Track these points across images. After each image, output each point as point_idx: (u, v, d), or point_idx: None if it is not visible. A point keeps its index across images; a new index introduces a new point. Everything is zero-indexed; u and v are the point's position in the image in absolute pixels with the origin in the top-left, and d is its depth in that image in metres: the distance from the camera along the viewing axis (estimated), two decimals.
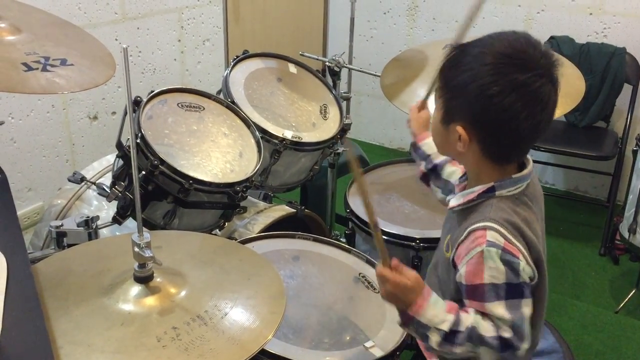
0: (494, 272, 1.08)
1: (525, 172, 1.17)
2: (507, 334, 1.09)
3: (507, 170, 1.16)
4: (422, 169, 1.46)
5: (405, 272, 1.13)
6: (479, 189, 1.16)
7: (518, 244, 1.09)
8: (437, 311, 1.11)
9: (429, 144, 1.45)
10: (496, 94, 1.05)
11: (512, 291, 1.09)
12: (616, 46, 3.01)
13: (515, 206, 1.14)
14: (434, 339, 1.10)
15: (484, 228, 1.10)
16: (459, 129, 1.11)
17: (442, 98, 1.14)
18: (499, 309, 1.08)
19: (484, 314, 1.12)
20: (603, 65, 2.96)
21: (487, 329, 1.09)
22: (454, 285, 1.17)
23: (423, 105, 1.53)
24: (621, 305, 2.50)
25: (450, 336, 1.10)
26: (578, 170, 3.21)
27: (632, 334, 2.33)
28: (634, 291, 2.54)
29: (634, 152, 2.51)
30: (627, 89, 3.02)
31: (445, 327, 1.10)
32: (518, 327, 1.09)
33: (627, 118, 3.01)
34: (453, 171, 1.39)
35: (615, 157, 2.94)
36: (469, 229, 1.12)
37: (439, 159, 1.43)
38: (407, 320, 1.13)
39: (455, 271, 1.15)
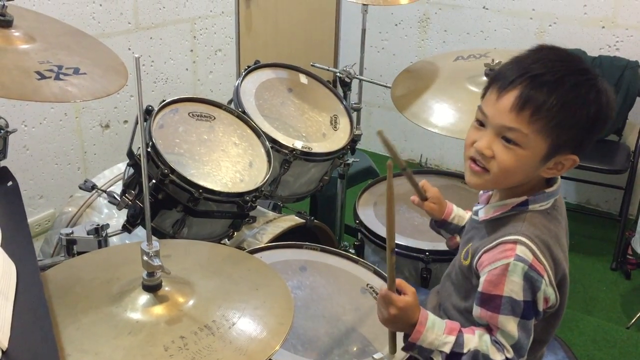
0: (514, 287, 1.08)
1: (555, 186, 1.17)
2: (509, 354, 1.10)
3: (541, 183, 1.17)
4: (458, 240, 1.46)
5: (405, 287, 1.14)
6: (512, 202, 1.16)
7: (545, 263, 1.10)
8: (436, 334, 1.12)
9: (458, 216, 1.46)
10: (595, 110, 1.07)
11: (527, 310, 1.09)
12: (629, 59, 3.00)
13: (547, 222, 1.14)
14: None
15: (515, 242, 1.10)
16: (572, 157, 1.11)
17: (547, 139, 1.08)
18: (510, 324, 1.08)
19: (489, 332, 1.11)
20: (615, 79, 2.95)
21: (495, 354, 1.09)
22: (474, 291, 1.17)
23: (424, 192, 1.47)
24: (633, 320, 2.46)
25: (452, 358, 1.11)
26: (589, 183, 3.19)
27: None
28: None
29: None
30: (639, 102, 3.00)
31: (447, 349, 1.11)
32: (521, 347, 1.10)
33: (639, 132, 2.99)
34: None
35: (627, 170, 2.92)
36: (498, 240, 1.12)
37: None
38: (409, 346, 1.14)
39: (477, 277, 1.15)
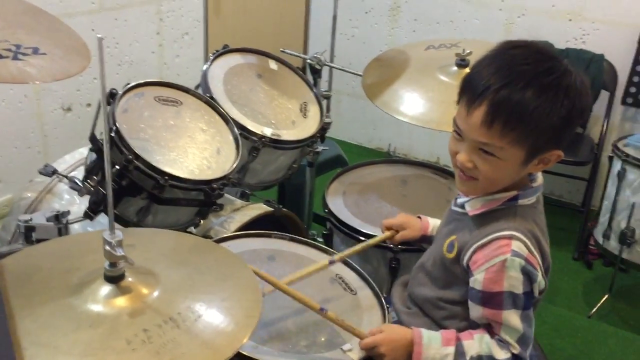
0: (513, 282, 1.09)
1: (540, 181, 1.19)
2: (515, 350, 1.10)
3: (526, 177, 1.19)
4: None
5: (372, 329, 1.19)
6: (503, 196, 1.16)
7: (537, 256, 1.12)
8: (435, 349, 1.12)
9: (435, 226, 1.45)
10: (567, 112, 1.06)
11: (527, 302, 1.11)
12: (594, 52, 3.04)
13: (535, 216, 1.16)
14: None
15: (510, 237, 1.11)
16: (557, 152, 1.12)
17: (523, 146, 1.08)
18: (514, 318, 1.10)
19: (490, 331, 1.12)
20: (581, 71, 2.98)
21: (499, 353, 1.10)
22: (459, 282, 1.18)
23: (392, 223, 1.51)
24: (594, 310, 2.52)
25: None
26: (553, 174, 3.23)
27: (605, 339, 2.35)
28: (606, 296, 2.56)
29: (610, 158, 2.53)
30: (604, 95, 3.05)
31: None
32: (527, 338, 1.11)
33: (603, 124, 3.05)
34: None
35: (591, 162, 2.97)
36: (492, 236, 1.12)
37: None
38: None
39: (469, 275, 1.15)
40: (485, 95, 1.06)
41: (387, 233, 1.52)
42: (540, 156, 1.11)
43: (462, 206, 1.24)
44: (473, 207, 1.20)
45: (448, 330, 1.16)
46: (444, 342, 1.13)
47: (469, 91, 1.10)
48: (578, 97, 1.08)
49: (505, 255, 1.09)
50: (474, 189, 1.18)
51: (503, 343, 1.11)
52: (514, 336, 1.10)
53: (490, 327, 1.14)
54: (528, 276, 1.09)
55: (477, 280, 1.12)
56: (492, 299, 1.11)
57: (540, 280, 1.12)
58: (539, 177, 1.20)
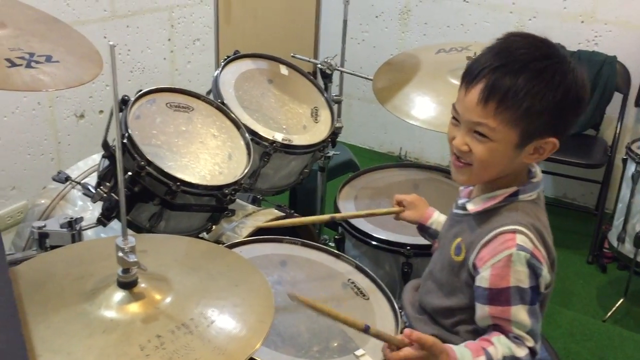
0: (520, 276, 1.08)
1: (540, 177, 1.19)
2: (530, 343, 1.10)
3: (524, 173, 1.19)
4: (437, 246, 1.45)
5: (421, 337, 1.08)
6: (503, 192, 1.17)
7: (542, 250, 1.11)
8: None
9: (437, 222, 1.46)
10: (562, 94, 1.07)
11: (533, 296, 1.10)
12: (607, 54, 3.02)
13: (537, 211, 1.16)
14: None
15: (514, 231, 1.10)
16: (551, 140, 1.11)
17: (516, 128, 1.09)
18: (522, 313, 1.09)
19: (501, 331, 1.10)
20: (594, 74, 2.96)
21: (518, 351, 1.09)
22: (465, 287, 1.17)
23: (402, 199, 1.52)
24: (609, 314, 2.49)
25: None
26: (567, 177, 3.22)
27: (620, 343, 2.32)
28: (621, 300, 2.54)
29: (624, 161, 2.51)
30: (617, 97, 3.03)
31: None
32: (535, 333, 1.10)
33: (616, 126, 3.03)
34: None
35: (604, 165, 2.94)
36: (496, 231, 1.12)
37: None
38: None
39: (475, 273, 1.14)
40: (483, 74, 1.09)
41: (395, 207, 1.53)
42: (534, 142, 1.11)
43: (463, 207, 1.24)
44: (475, 206, 1.20)
45: (471, 342, 1.13)
46: (474, 354, 1.10)
47: (469, 73, 1.13)
48: (573, 86, 1.08)
49: (511, 250, 1.09)
50: (469, 176, 1.18)
51: (518, 340, 1.09)
52: (524, 330, 1.09)
53: (498, 328, 1.12)
54: (534, 270, 1.09)
55: (484, 277, 1.11)
56: (499, 296, 1.09)
57: (545, 274, 1.10)
58: (539, 173, 1.20)
